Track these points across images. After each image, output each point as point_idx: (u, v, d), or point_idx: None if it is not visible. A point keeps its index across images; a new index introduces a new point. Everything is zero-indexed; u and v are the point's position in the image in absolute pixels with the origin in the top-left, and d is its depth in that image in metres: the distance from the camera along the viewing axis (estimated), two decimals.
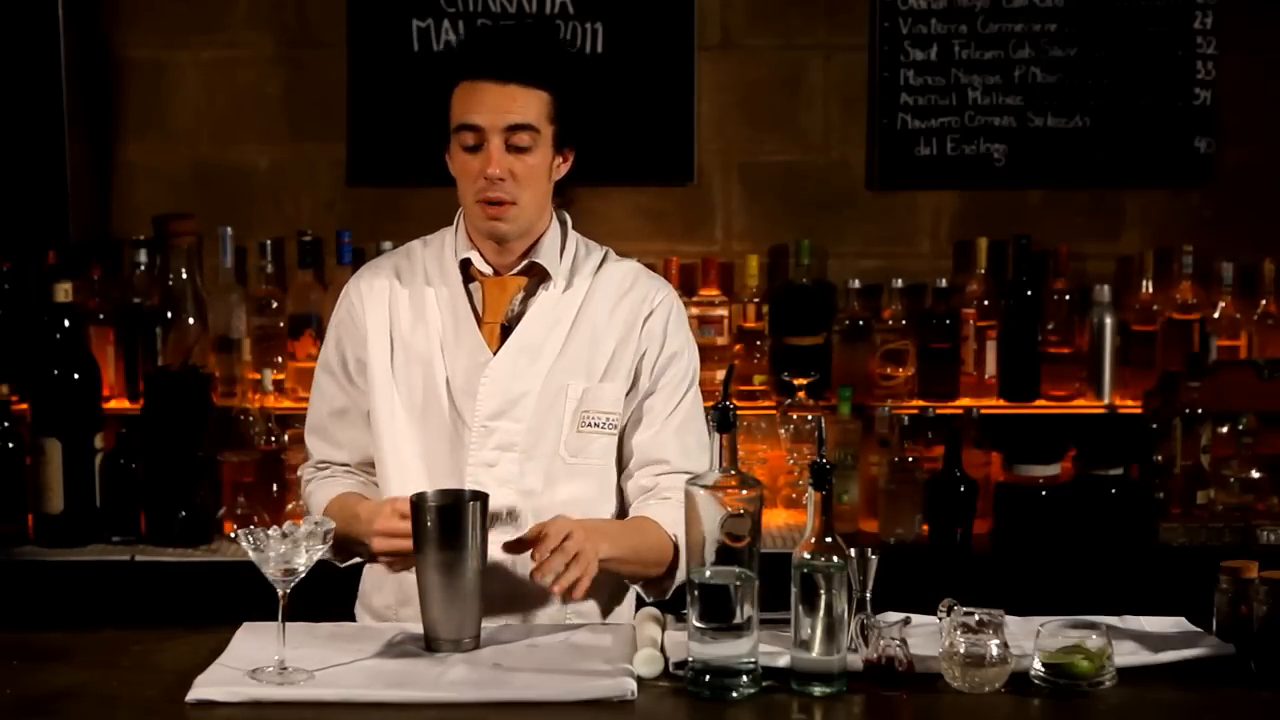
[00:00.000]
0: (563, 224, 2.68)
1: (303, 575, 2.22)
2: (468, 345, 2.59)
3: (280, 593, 2.22)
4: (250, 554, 2.21)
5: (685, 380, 2.65)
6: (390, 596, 2.65)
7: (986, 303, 4.06)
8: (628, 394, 2.62)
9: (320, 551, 2.23)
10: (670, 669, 2.24)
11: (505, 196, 2.53)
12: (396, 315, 2.63)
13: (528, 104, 2.51)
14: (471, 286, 2.63)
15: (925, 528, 3.77)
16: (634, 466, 2.63)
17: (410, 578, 2.43)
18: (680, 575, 2.53)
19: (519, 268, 2.61)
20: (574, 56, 2.58)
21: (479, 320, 2.61)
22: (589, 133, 2.65)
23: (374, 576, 2.70)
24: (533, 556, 2.36)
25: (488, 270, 2.61)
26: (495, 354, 2.58)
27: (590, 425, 2.60)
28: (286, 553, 2.19)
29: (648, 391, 2.62)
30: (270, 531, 2.20)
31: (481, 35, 2.48)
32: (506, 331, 2.60)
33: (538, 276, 2.62)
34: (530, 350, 2.59)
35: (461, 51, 2.52)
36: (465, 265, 2.62)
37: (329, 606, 2.64)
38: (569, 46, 2.63)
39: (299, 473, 2.80)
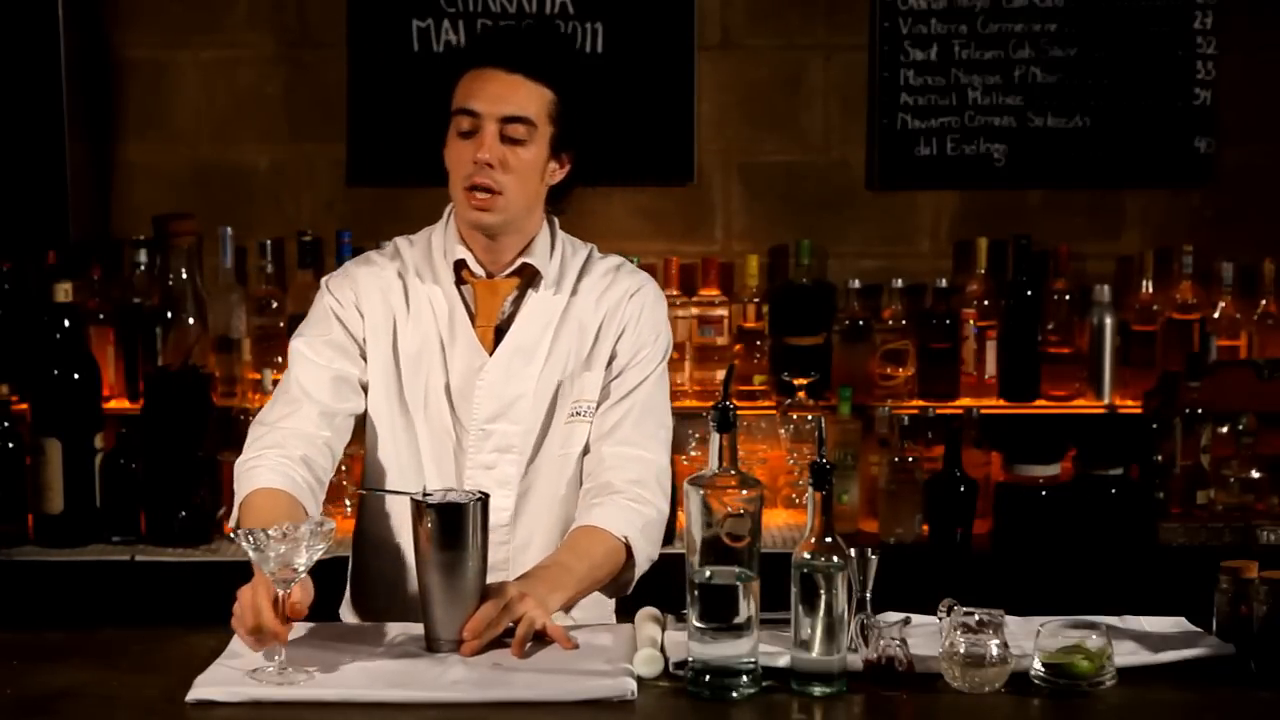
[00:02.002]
0: (551, 225, 2.68)
1: (303, 575, 2.22)
2: (463, 348, 2.59)
3: (280, 593, 2.22)
4: (250, 554, 2.21)
5: (654, 362, 2.66)
6: (377, 586, 2.66)
7: (986, 303, 4.06)
8: (605, 373, 2.64)
9: (320, 551, 2.22)
10: (670, 669, 2.24)
11: (492, 185, 2.51)
12: (398, 317, 2.61)
13: (529, 97, 2.51)
14: (463, 289, 2.62)
15: (925, 528, 3.77)
16: (591, 439, 2.62)
17: (403, 582, 2.50)
18: (638, 569, 2.56)
19: (511, 269, 2.62)
20: (584, 62, 2.55)
21: (472, 322, 2.61)
22: (591, 142, 2.63)
23: (357, 569, 2.71)
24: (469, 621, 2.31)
25: (480, 272, 2.61)
26: (490, 356, 2.59)
27: (575, 415, 2.62)
28: (286, 553, 2.19)
29: (620, 369, 2.64)
30: (270, 531, 2.19)
31: (492, 29, 2.46)
32: (500, 333, 2.61)
33: (528, 278, 2.63)
34: (525, 352, 2.59)
35: (471, 44, 2.53)
36: (457, 267, 2.62)
37: (328, 606, 2.65)
38: (578, 52, 2.60)
39: (257, 432, 2.56)
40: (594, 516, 2.53)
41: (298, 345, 2.61)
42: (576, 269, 2.66)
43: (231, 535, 2.47)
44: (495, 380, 2.58)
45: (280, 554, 2.19)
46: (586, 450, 2.64)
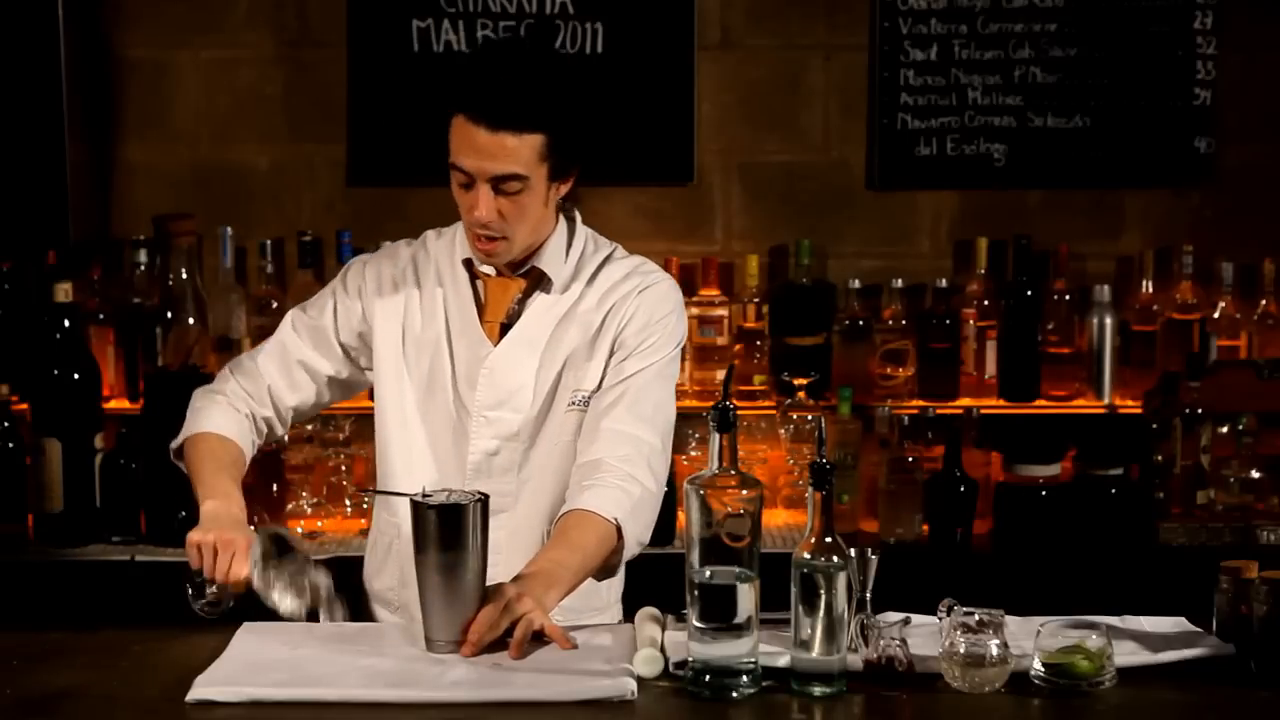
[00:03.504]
0: (570, 221, 2.70)
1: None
2: (470, 338, 2.65)
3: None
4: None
5: (661, 350, 2.65)
6: (391, 579, 2.72)
7: (986, 303, 4.06)
8: (607, 363, 2.65)
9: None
10: (670, 669, 2.24)
11: (494, 234, 2.56)
12: (409, 305, 2.68)
13: (518, 152, 2.50)
14: (476, 282, 2.68)
15: (925, 528, 3.78)
16: (587, 418, 2.63)
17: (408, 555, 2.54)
18: (628, 551, 2.55)
19: (521, 270, 2.66)
20: (573, 79, 2.52)
21: (481, 316, 2.65)
22: (591, 156, 2.64)
23: (375, 560, 2.76)
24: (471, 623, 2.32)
25: (489, 271, 2.66)
26: (495, 348, 2.63)
27: (573, 404, 2.64)
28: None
29: (622, 358, 2.64)
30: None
31: (478, 66, 2.45)
32: (507, 329, 2.65)
33: (537, 278, 2.66)
34: (528, 345, 2.63)
35: (459, 81, 2.52)
36: (468, 264, 2.67)
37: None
38: (562, 51, 2.55)
39: (223, 373, 2.77)
40: (584, 499, 2.53)
41: (289, 315, 2.76)
42: (591, 269, 2.68)
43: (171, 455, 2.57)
44: (497, 369, 2.63)
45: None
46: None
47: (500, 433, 2.63)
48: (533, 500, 2.65)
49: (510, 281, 2.66)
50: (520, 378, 2.63)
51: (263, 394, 2.71)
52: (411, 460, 2.65)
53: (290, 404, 2.73)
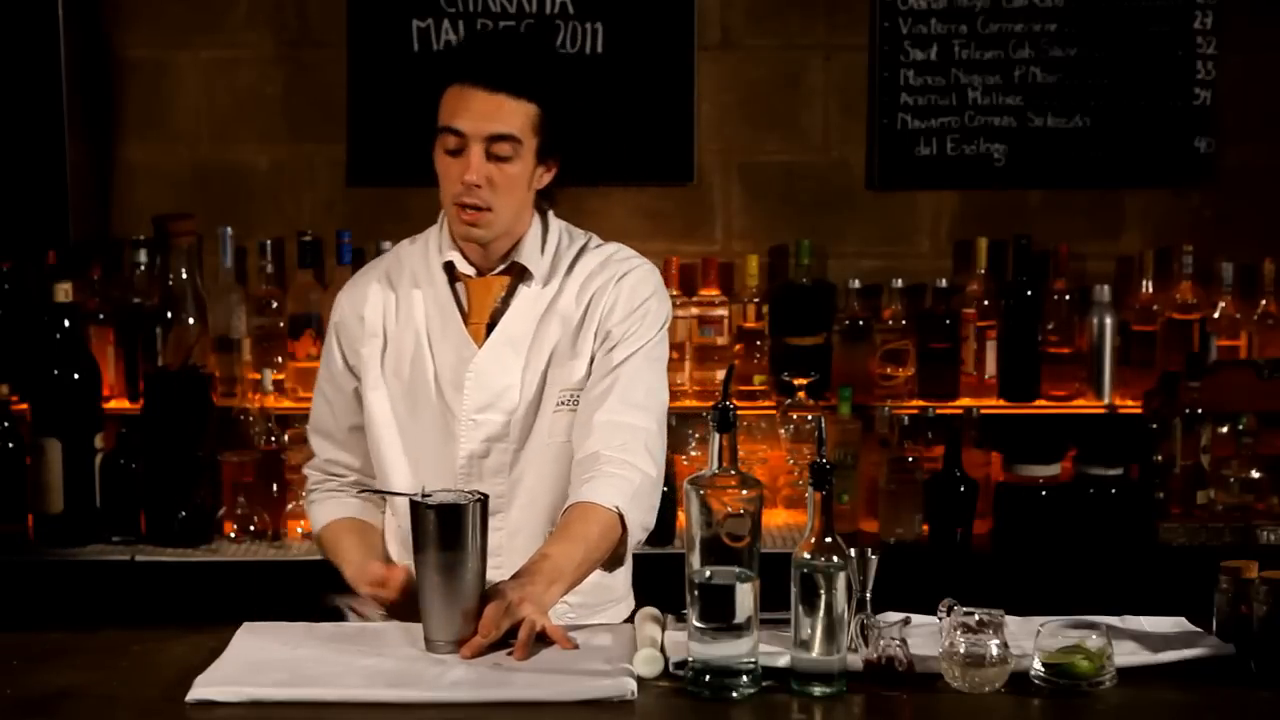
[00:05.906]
0: (543, 215, 2.71)
1: None
2: (454, 341, 2.65)
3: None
4: None
5: (645, 334, 2.66)
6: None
7: (986, 303, 4.06)
8: (593, 357, 2.65)
9: None
10: (670, 669, 2.24)
11: (480, 203, 2.58)
12: (388, 316, 2.69)
13: (514, 115, 2.55)
14: (458, 285, 2.68)
15: (925, 528, 3.78)
16: (580, 412, 2.63)
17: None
18: (632, 537, 2.55)
19: (501, 268, 2.67)
20: (568, 67, 2.56)
21: (465, 318, 2.66)
22: (576, 145, 2.67)
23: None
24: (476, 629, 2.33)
25: (470, 271, 2.67)
26: (480, 349, 2.64)
27: (561, 404, 2.64)
28: None
29: (609, 348, 2.64)
30: None
31: (477, 40, 2.50)
32: (492, 329, 2.65)
33: (518, 273, 2.67)
34: (513, 343, 2.64)
35: (456, 54, 2.54)
36: (448, 267, 2.67)
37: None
38: (562, 51, 2.58)
39: (304, 470, 2.85)
40: (584, 492, 2.54)
41: (318, 380, 2.80)
42: (569, 260, 2.69)
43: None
44: (484, 370, 2.63)
45: None
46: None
47: (488, 434, 2.63)
48: (528, 501, 2.64)
49: (492, 280, 2.67)
50: (506, 378, 2.63)
51: (335, 467, 2.77)
52: (399, 469, 2.65)
53: (358, 462, 2.76)
